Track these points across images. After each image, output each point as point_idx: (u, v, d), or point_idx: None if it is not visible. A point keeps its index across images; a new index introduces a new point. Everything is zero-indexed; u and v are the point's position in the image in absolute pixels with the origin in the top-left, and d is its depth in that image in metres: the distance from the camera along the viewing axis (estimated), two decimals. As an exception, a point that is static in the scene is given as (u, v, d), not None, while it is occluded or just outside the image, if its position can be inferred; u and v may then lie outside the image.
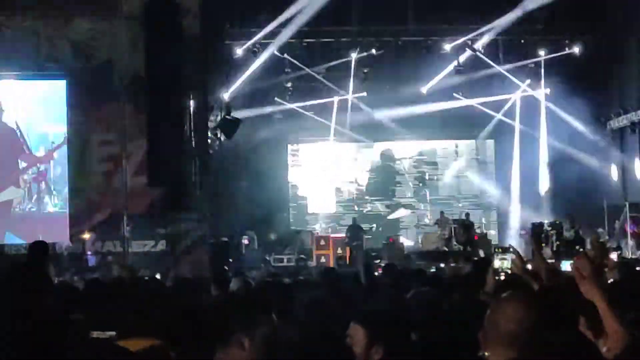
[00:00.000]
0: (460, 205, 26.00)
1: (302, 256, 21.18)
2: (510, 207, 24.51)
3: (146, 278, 9.49)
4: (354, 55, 23.24)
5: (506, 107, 24.73)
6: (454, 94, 23.91)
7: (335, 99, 24.52)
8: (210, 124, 21.07)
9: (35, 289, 6.03)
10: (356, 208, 26.26)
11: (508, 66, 23.82)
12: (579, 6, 22.19)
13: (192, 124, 19.47)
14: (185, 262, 18.02)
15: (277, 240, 22.73)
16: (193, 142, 19.62)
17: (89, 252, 18.89)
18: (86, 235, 19.02)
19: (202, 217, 19.87)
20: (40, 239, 8.62)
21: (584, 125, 22.80)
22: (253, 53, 22.53)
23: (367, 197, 26.54)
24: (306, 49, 22.98)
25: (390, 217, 25.63)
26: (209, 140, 21.25)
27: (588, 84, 22.81)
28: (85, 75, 19.63)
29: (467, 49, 22.89)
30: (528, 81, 24.09)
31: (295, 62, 23.01)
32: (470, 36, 22.67)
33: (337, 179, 26.49)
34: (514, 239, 22.37)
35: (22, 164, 19.93)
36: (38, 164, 19.88)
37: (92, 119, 19.87)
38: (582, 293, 2.78)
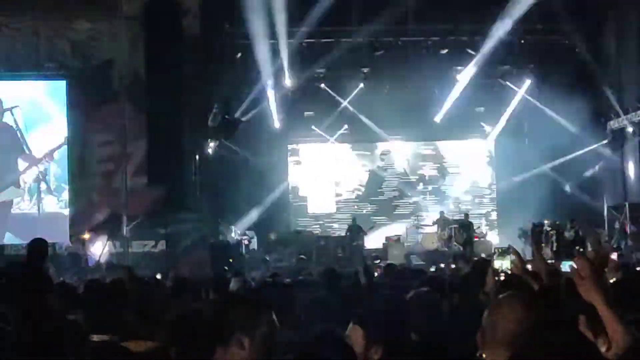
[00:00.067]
0: (460, 205, 25.99)
1: (302, 256, 21.15)
2: (510, 207, 24.49)
3: (146, 279, 9.48)
4: (353, 56, 23.23)
5: (506, 107, 24.73)
6: (455, 95, 23.92)
7: (335, 99, 24.52)
8: (210, 124, 21.07)
9: (35, 289, 6.03)
10: (356, 208, 26.25)
11: (508, 66, 23.82)
12: (579, 6, 22.18)
13: (191, 124, 19.48)
14: (185, 262, 18.02)
15: (277, 240, 22.71)
16: (193, 143, 19.64)
17: (89, 252, 18.89)
18: (86, 236, 19.02)
19: (202, 218, 19.88)
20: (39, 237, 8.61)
21: (583, 125, 22.79)
22: (252, 53, 22.51)
23: (366, 197, 26.53)
24: (306, 49, 22.96)
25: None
26: (209, 141, 21.26)
27: (588, 84, 22.81)
28: (85, 75, 19.65)
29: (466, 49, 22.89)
30: (528, 81, 24.09)
31: (295, 62, 23.00)
32: (469, 36, 22.67)
33: (337, 179, 26.48)
34: (513, 240, 22.33)
35: (22, 164, 19.93)
36: (38, 164, 19.88)
37: (92, 119, 19.88)
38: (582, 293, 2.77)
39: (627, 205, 21.08)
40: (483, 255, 19.04)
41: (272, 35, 22.29)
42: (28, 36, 19.53)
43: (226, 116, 20.75)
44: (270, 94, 23.48)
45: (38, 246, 7.14)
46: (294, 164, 26.40)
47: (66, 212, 19.73)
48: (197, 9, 19.45)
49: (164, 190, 18.90)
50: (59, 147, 19.83)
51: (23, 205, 19.85)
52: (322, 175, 26.33)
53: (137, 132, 19.34)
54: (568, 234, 20.84)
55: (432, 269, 14.70)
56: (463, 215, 23.58)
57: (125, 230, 18.72)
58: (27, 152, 19.85)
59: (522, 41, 23.50)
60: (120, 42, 19.36)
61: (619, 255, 16.50)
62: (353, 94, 24.40)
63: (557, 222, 21.41)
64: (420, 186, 26.58)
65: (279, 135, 25.09)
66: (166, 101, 18.33)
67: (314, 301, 5.33)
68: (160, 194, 18.97)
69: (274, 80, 23.17)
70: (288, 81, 23.68)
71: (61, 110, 19.86)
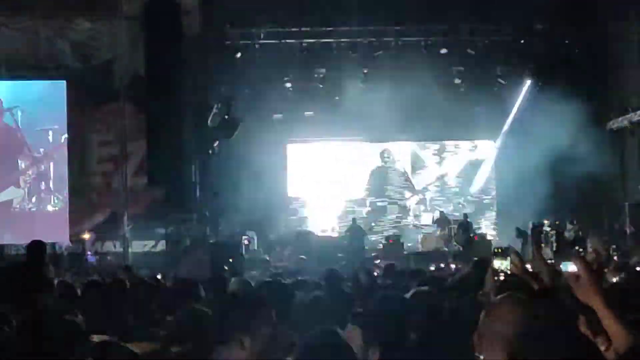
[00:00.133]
0: (460, 205, 25.99)
1: (302, 256, 21.14)
2: (510, 207, 24.48)
3: (146, 279, 9.48)
4: (353, 56, 23.23)
5: (506, 107, 24.72)
6: (455, 95, 23.92)
7: (335, 99, 24.51)
8: (210, 124, 21.07)
9: (35, 289, 6.03)
10: (356, 208, 26.24)
11: (508, 67, 23.82)
12: (580, 7, 22.19)
13: (192, 124, 19.48)
14: (185, 262, 18.01)
15: (277, 240, 22.71)
16: (193, 143, 19.63)
17: (89, 253, 18.89)
18: (86, 235, 19.02)
19: (202, 218, 19.87)
20: (38, 238, 8.60)
21: (583, 125, 22.78)
22: (253, 53, 22.53)
23: (366, 198, 26.52)
24: (306, 49, 22.97)
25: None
26: (209, 141, 21.26)
27: (588, 84, 22.80)
28: (85, 75, 19.65)
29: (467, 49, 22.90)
30: (528, 82, 24.08)
31: (295, 62, 23.00)
32: (469, 36, 22.67)
33: (337, 179, 26.47)
34: (513, 240, 22.33)
35: (22, 164, 19.92)
36: (38, 164, 19.88)
37: (92, 119, 19.88)
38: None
39: (627, 206, 21.07)
40: (482, 255, 19.04)
41: (272, 35, 22.30)
42: (28, 36, 19.52)
43: (226, 116, 20.73)
44: (270, 94, 23.48)
45: (36, 246, 7.13)
46: (294, 164, 26.39)
47: (66, 212, 19.72)
48: (197, 9, 19.45)
49: (164, 190, 18.90)
50: (59, 147, 19.83)
51: (23, 205, 19.84)
52: (322, 175, 26.33)
53: (137, 132, 19.34)
54: (568, 234, 20.85)
55: (432, 269, 14.71)
56: (462, 215, 23.58)
57: (125, 230, 18.71)
58: (27, 152, 19.84)
59: (522, 41, 23.51)
60: (120, 42, 19.37)
61: (618, 256, 16.50)
62: (353, 94, 24.38)
63: (557, 222, 21.41)
64: (420, 186, 26.58)
65: (279, 135, 25.08)
66: (166, 101, 18.32)
67: (314, 301, 5.32)
68: (160, 194, 18.97)
69: (274, 80, 23.18)
70: (288, 81, 23.70)
71: (61, 110, 19.85)
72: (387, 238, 23.32)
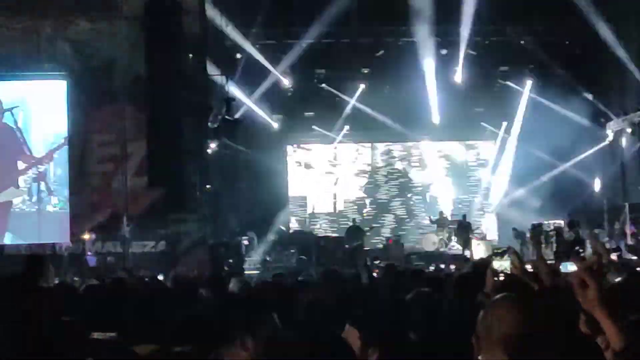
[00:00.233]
0: (459, 205, 26.00)
1: (302, 257, 21.15)
2: (510, 207, 24.50)
3: (146, 279, 9.49)
4: (354, 56, 23.23)
5: (506, 108, 24.72)
6: (455, 95, 23.91)
7: (335, 99, 24.52)
8: (210, 124, 21.06)
9: (34, 290, 6.03)
10: (356, 208, 26.25)
11: (508, 67, 23.82)
12: (580, 7, 22.16)
13: (192, 124, 19.47)
14: (185, 262, 18.01)
15: (277, 240, 22.71)
16: (193, 143, 19.62)
17: (89, 253, 18.88)
18: (86, 236, 19.00)
19: (202, 218, 19.87)
20: (37, 251, 8.48)
21: (583, 126, 22.79)
22: (253, 53, 22.52)
23: (366, 198, 26.53)
24: (306, 49, 22.97)
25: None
26: (209, 141, 21.25)
27: (588, 85, 22.80)
28: (86, 76, 19.63)
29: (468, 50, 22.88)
30: (528, 83, 24.08)
31: (295, 62, 23.00)
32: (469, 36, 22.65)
33: (337, 179, 26.49)
34: (513, 240, 22.34)
35: (22, 165, 19.92)
36: (38, 165, 19.87)
37: (92, 119, 19.87)
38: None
39: (627, 206, 21.08)
40: (482, 255, 19.06)
41: (272, 35, 22.30)
42: (28, 36, 19.51)
43: (226, 116, 20.73)
44: (271, 94, 23.49)
45: (34, 261, 6.94)
46: (294, 164, 26.41)
47: (66, 212, 19.71)
48: (197, 9, 19.44)
49: (164, 190, 18.89)
50: (59, 147, 19.83)
51: (23, 206, 19.84)
52: (322, 176, 26.34)
53: (137, 132, 19.33)
54: (568, 235, 20.83)
55: (432, 269, 14.72)
56: (462, 216, 23.58)
57: (125, 230, 18.70)
58: (27, 152, 19.84)
59: (522, 41, 23.50)
60: (121, 42, 19.36)
61: (618, 256, 16.51)
62: (353, 94, 24.40)
63: (557, 223, 21.41)
64: (420, 186, 26.59)
65: (279, 135, 25.10)
66: (166, 101, 18.32)
67: (314, 302, 5.32)
68: (160, 194, 18.96)
69: (274, 80, 23.18)
70: (288, 81, 23.70)
71: (61, 110, 19.84)
72: (387, 238, 23.32)
